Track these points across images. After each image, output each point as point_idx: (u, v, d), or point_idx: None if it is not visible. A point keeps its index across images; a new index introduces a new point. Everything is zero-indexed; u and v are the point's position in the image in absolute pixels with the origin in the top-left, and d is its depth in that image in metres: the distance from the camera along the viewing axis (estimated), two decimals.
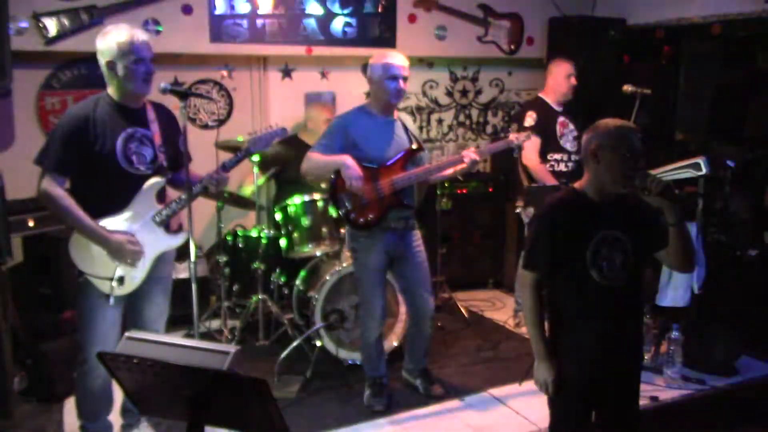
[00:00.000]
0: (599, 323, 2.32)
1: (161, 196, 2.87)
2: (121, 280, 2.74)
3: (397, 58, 3.30)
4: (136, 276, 2.80)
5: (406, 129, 3.44)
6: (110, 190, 2.74)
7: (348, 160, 3.21)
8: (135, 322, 2.89)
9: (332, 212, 4.09)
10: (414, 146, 3.38)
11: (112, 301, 2.74)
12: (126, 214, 2.76)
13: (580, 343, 2.35)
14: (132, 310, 2.91)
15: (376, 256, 3.38)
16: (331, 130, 3.34)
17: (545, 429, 3.30)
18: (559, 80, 4.33)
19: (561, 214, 2.33)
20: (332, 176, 3.28)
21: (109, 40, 2.68)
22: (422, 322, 3.58)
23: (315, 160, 3.30)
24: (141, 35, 2.71)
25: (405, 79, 3.29)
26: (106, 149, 2.69)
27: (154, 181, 2.81)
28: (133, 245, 2.74)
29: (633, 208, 2.29)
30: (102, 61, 2.71)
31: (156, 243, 2.83)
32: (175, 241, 2.90)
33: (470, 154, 3.32)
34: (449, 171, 3.43)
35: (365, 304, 3.48)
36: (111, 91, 2.77)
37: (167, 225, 2.87)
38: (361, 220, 3.30)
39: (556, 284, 2.37)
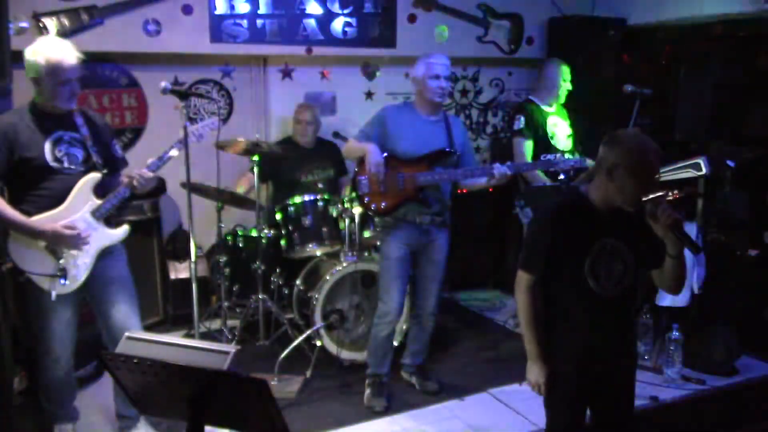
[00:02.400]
0: (592, 330, 2.31)
1: (99, 191, 2.85)
2: (63, 275, 2.74)
3: (440, 58, 3.41)
4: (78, 273, 2.80)
5: (449, 131, 3.46)
6: (42, 190, 2.75)
7: (372, 147, 3.31)
8: (107, 328, 2.91)
9: (333, 212, 4.09)
10: (447, 148, 3.41)
11: (53, 296, 2.74)
12: (61, 211, 2.76)
13: (572, 348, 2.35)
14: (101, 317, 2.93)
15: (395, 247, 3.43)
16: (372, 120, 3.48)
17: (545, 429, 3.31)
18: (553, 82, 4.32)
19: (562, 218, 2.31)
20: (357, 161, 3.42)
21: (38, 56, 2.67)
22: (424, 316, 3.63)
23: (349, 144, 3.52)
24: (70, 59, 2.68)
25: (447, 78, 3.38)
26: (34, 153, 2.71)
27: (89, 176, 2.81)
28: (69, 230, 2.73)
29: (636, 221, 2.25)
30: (28, 74, 2.72)
31: (97, 238, 2.83)
32: (117, 235, 2.91)
33: (501, 168, 3.32)
34: (479, 180, 3.45)
35: (382, 297, 3.50)
36: (36, 100, 2.79)
37: (107, 220, 2.87)
38: (374, 205, 3.39)
39: (552, 288, 2.35)
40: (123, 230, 2.92)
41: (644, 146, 2.18)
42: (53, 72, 2.66)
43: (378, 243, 3.58)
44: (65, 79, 2.69)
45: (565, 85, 4.33)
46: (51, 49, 2.67)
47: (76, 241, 2.76)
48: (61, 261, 2.75)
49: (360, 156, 3.38)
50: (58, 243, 2.74)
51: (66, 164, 2.78)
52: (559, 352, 2.36)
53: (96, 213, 2.82)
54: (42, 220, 2.72)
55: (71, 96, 2.75)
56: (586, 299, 2.26)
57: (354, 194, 3.49)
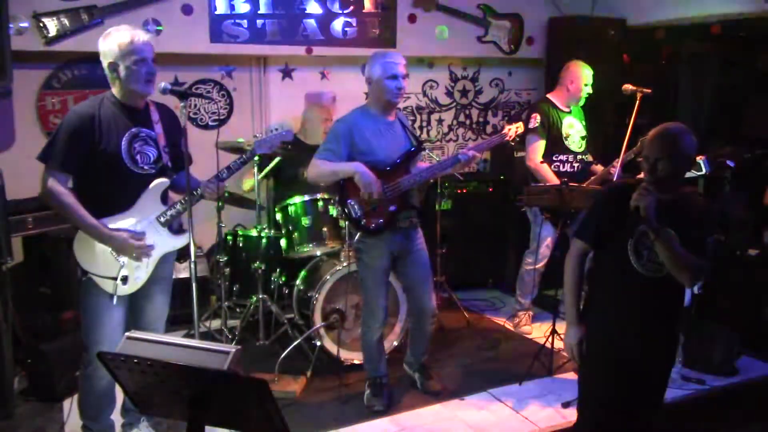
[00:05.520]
0: (629, 307, 2.42)
1: (164, 196, 2.88)
2: (124, 279, 2.75)
3: (395, 57, 3.31)
4: (139, 276, 2.81)
5: (404, 128, 3.44)
6: (115, 189, 2.74)
7: (361, 167, 3.19)
8: (135, 321, 2.90)
9: (333, 212, 4.09)
10: (415, 147, 3.39)
11: (115, 300, 2.75)
12: (131, 214, 2.77)
13: (609, 324, 2.46)
14: (133, 309, 2.91)
15: (381, 256, 3.37)
16: (336, 136, 3.28)
17: (545, 429, 3.32)
18: (577, 85, 4.28)
19: (617, 196, 2.46)
20: (341, 182, 3.27)
21: (111, 41, 2.69)
22: (424, 319, 3.59)
23: (323, 168, 3.25)
24: (142, 36, 2.72)
25: (405, 77, 3.29)
26: (111, 148, 2.70)
27: (160, 181, 2.82)
28: (136, 240, 2.75)
29: (686, 210, 2.35)
30: (104, 62, 2.72)
31: (161, 243, 2.85)
32: (179, 242, 2.91)
33: (467, 152, 3.32)
34: (449, 170, 3.42)
35: (369, 304, 3.47)
36: (114, 91, 2.77)
37: (170, 225, 2.87)
38: (373, 225, 3.30)
39: (599, 262, 2.51)
40: (184, 238, 2.90)
41: (656, 132, 2.36)
42: (128, 51, 2.66)
43: (358, 251, 3.46)
44: (141, 58, 2.68)
45: (586, 89, 4.32)
46: (122, 31, 2.70)
47: (142, 252, 2.77)
48: (124, 266, 2.75)
49: (343, 178, 3.25)
50: (124, 251, 2.74)
51: (139, 163, 2.77)
52: (596, 329, 2.48)
53: (161, 219, 2.83)
54: (111, 224, 2.71)
55: (148, 77, 2.72)
56: (628, 276, 2.38)
57: (347, 219, 3.36)
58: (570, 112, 4.36)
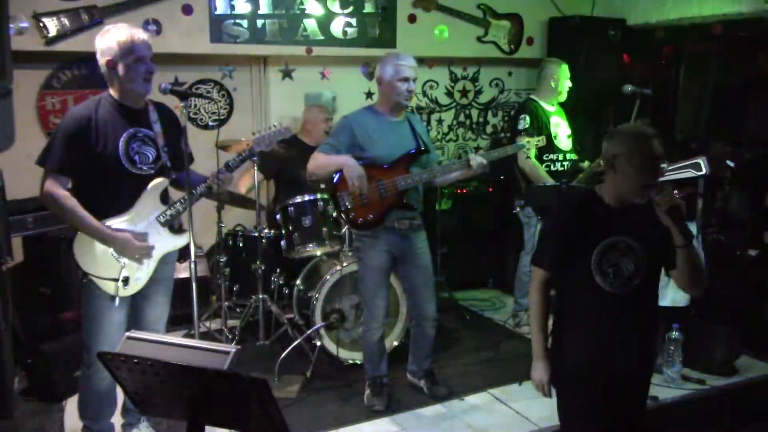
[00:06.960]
0: (600, 329, 2.28)
1: (164, 196, 2.87)
2: (125, 280, 2.74)
3: (407, 60, 3.32)
4: (140, 277, 2.80)
5: (413, 130, 3.44)
6: (113, 190, 2.74)
7: (349, 159, 3.22)
8: (136, 322, 2.89)
9: (333, 212, 4.09)
10: (420, 148, 3.38)
11: (117, 302, 2.74)
12: (130, 215, 2.77)
13: (580, 347, 2.31)
14: (134, 310, 2.90)
15: (378, 255, 3.37)
16: (337, 130, 3.35)
17: (545, 429, 3.32)
18: (557, 82, 4.32)
19: (574, 213, 2.31)
20: (333, 175, 3.29)
21: (109, 39, 2.68)
22: (425, 324, 3.58)
23: (319, 159, 3.31)
24: (141, 34, 2.71)
25: (414, 80, 3.32)
26: (109, 149, 2.69)
27: (158, 181, 2.81)
28: (139, 241, 2.74)
29: (651, 219, 2.18)
30: (102, 61, 2.71)
31: (161, 243, 2.84)
32: (180, 242, 2.91)
33: (477, 158, 3.31)
34: (455, 174, 3.43)
35: (367, 304, 3.47)
36: (112, 91, 2.77)
37: (171, 225, 2.87)
38: (361, 219, 3.30)
39: (563, 284, 2.35)
40: (185, 238, 2.89)
41: (640, 132, 2.21)
42: (127, 50, 2.66)
43: (357, 250, 3.48)
44: (140, 57, 2.68)
45: (566, 84, 4.35)
46: (120, 29, 2.70)
47: (144, 253, 2.77)
48: (125, 267, 2.74)
49: (334, 171, 3.28)
50: (126, 252, 2.73)
51: (138, 164, 2.76)
52: (567, 352, 2.34)
53: (161, 219, 2.82)
54: (112, 225, 2.71)
55: (147, 75, 2.72)
56: (596, 296, 2.23)
57: (336, 211, 3.39)
58: (554, 111, 4.39)
